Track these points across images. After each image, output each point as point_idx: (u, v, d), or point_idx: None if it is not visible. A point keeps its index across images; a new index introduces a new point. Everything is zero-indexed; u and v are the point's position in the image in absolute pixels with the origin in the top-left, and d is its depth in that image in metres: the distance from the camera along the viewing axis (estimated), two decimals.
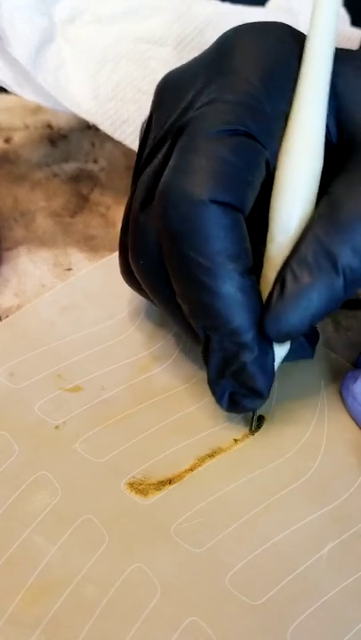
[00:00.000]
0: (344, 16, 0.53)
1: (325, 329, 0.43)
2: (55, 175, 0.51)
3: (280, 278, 0.35)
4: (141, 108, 0.47)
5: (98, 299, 0.43)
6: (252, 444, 0.38)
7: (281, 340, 0.35)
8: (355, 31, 0.53)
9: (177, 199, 0.34)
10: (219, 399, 0.37)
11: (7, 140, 0.53)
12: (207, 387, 0.37)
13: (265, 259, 0.36)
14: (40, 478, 0.36)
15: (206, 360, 0.36)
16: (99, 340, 0.41)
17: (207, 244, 0.34)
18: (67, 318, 0.42)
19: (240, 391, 0.36)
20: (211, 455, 0.37)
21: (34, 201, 0.49)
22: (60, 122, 0.54)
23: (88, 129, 0.53)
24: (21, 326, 0.42)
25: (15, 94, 0.49)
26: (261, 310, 0.35)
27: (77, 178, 0.51)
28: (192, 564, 0.34)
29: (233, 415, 0.38)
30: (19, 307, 0.43)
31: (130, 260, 0.38)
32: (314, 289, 0.34)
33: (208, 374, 0.36)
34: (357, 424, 0.38)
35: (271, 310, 0.34)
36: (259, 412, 0.38)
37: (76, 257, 0.46)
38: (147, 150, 0.38)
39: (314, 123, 0.35)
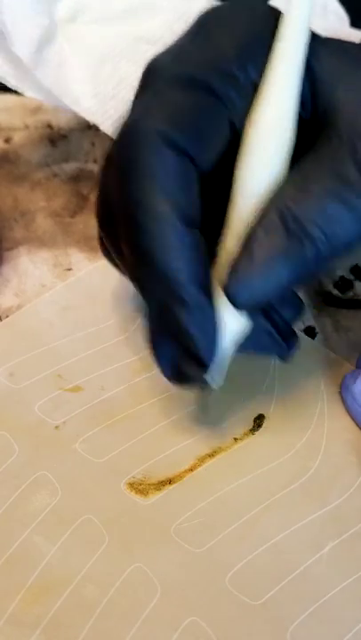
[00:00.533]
0: (344, 17, 0.53)
1: (325, 329, 0.43)
2: (55, 175, 0.51)
3: (247, 242, 0.34)
4: None
5: (98, 299, 0.43)
6: (252, 443, 0.38)
7: (248, 307, 0.34)
8: (353, 32, 0.53)
9: (126, 130, 0.34)
10: (160, 364, 0.35)
11: (7, 140, 0.53)
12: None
13: (225, 227, 0.35)
14: (40, 478, 0.36)
15: (147, 316, 0.35)
16: (99, 340, 0.41)
17: (150, 180, 0.33)
18: (67, 318, 0.42)
19: (181, 355, 0.34)
20: (211, 455, 0.37)
21: (34, 201, 0.49)
22: (61, 122, 0.54)
23: (88, 129, 0.53)
24: (21, 326, 0.42)
25: (16, 93, 0.49)
26: (205, 271, 0.34)
27: (77, 178, 0.51)
28: (192, 564, 0.34)
29: (233, 415, 0.38)
30: (19, 307, 0.43)
31: (99, 229, 0.37)
32: (284, 254, 0.33)
33: (148, 334, 0.35)
34: (357, 424, 0.38)
35: (239, 275, 0.33)
36: (258, 412, 0.38)
37: (77, 257, 0.46)
38: None
39: (286, 93, 0.35)
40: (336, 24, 0.51)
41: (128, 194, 0.33)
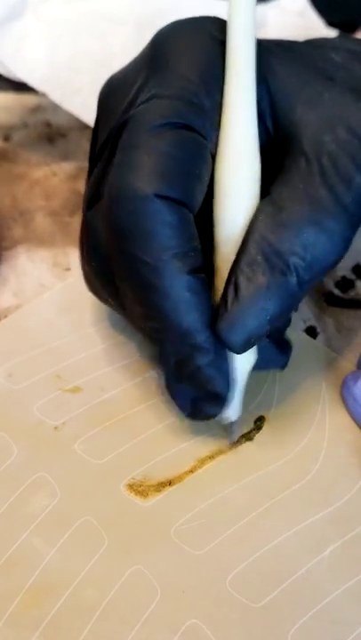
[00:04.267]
0: (318, 21, 0.54)
1: (327, 329, 0.42)
2: (54, 174, 0.51)
3: (232, 281, 0.34)
4: (95, 80, 0.46)
5: (97, 299, 0.43)
6: (253, 445, 0.37)
7: (240, 349, 0.34)
8: (330, 32, 0.53)
9: (122, 196, 0.33)
10: (180, 406, 0.36)
11: (6, 139, 0.53)
12: None
13: (214, 269, 0.35)
14: (39, 479, 0.36)
15: (162, 364, 0.35)
16: (98, 340, 0.41)
17: (152, 241, 0.33)
18: (66, 318, 0.42)
19: (200, 396, 0.35)
20: (211, 457, 0.37)
21: (33, 200, 0.49)
22: (60, 121, 0.54)
23: (87, 128, 0.53)
24: (20, 326, 0.42)
25: (15, 91, 0.49)
26: (214, 315, 0.34)
27: (76, 177, 0.50)
28: (192, 566, 0.34)
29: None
30: (17, 307, 0.43)
31: (84, 264, 0.37)
32: (269, 289, 0.33)
33: (165, 379, 0.36)
34: (358, 425, 0.38)
35: (228, 315, 0.33)
36: (259, 413, 0.38)
37: (75, 257, 0.46)
38: (96, 152, 0.38)
39: (244, 124, 0.35)
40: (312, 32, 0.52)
41: (131, 254, 0.33)
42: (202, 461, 0.37)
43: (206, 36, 0.37)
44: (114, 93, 0.38)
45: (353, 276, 0.45)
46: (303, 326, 0.43)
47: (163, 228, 0.33)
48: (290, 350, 0.39)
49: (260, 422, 0.38)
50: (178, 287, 0.33)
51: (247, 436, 0.38)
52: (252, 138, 0.35)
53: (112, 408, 0.38)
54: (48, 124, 0.54)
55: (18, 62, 0.48)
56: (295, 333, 0.42)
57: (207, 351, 0.34)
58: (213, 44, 0.36)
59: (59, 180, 0.50)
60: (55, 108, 0.54)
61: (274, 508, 0.35)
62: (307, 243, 0.34)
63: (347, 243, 0.35)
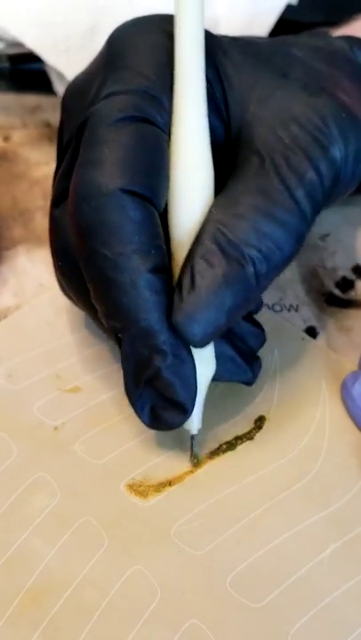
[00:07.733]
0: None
1: (327, 329, 0.42)
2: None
3: (187, 272, 0.33)
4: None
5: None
6: (253, 445, 0.37)
7: (199, 341, 0.33)
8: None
9: (86, 193, 0.33)
10: (138, 412, 0.35)
11: (6, 139, 0.53)
12: None
13: (173, 266, 0.35)
14: (39, 480, 0.36)
15: (123, 367, 0.34)
16: (98, 340, 0.41)
17: (114, 235, 0.33)
18: (65, 319, 0.42)
19: (160, 403, 0.34)
20: (211, 457, 0.37)
21: (32, 200, 0.49)
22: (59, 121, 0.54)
23: None
24: (20, 326, 0.42)
25: (15, 92, 0.49)
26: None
27: None
28: (192, 567, 0.34)
29: (233, 416, 0.38)
30: (17, 307, 0.43)
31: (54, 264, 0.37)
32: (226, 279, 0.33)
33: (124, 382, 0.35)
34: (357, 426, 0.38)
35: (184, 306, 0.33)
36: (259, 413, 0.38)
37: None
38: (62, 151, 0.38)
39: (193, 130, 0.35)
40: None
41: (94, 250, 0.33)
42: (202, 461, 0.37)
43: (161, 34, 0.37)
44: (76, 94, 0.38)
45: (353, 277, 0.45)
46: (303, 326, 0.42)
47: (126, 222, 0.33)
48: (258, 367, 0.37)
49: (260, 422, 0.38)
50: (138, 284, 0.33)
51: (248, 436, 0.38)
52: (201, 143, 0.35)
53: (112, 408, 0.38)
54: (48, 124, 0.54)
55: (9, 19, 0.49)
56: (295, 333, 0.42)
57: (166, 354, 0.33)
58: (169, 40, 0.36)
59: None
60: (55, 107, 0.54)
61: (274, 509, 0.35)
62: (261, 234, 0.33)
63: (300, 238, 0.34)
